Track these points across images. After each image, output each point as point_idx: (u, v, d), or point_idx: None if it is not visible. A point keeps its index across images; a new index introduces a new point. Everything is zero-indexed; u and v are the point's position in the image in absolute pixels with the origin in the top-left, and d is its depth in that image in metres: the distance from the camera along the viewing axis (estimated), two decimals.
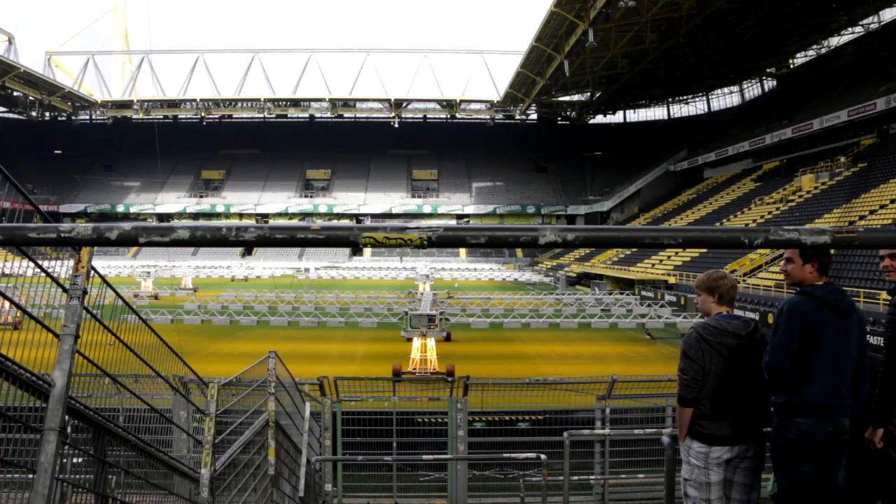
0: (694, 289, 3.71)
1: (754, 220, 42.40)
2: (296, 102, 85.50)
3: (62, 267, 2.25)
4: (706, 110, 78.77)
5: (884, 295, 19.52)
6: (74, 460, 2.40)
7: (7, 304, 2.14)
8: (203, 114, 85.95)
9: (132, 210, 79.54)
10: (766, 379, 3.30)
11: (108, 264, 62.20)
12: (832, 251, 3.33)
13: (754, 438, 3.40)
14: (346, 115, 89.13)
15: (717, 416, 3.35)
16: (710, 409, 3.36)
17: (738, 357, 3.35)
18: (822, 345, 3.14)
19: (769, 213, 41.96)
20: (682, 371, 3.42)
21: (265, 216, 79.82)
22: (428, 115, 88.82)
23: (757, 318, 22.90)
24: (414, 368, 18.32)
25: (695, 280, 3.69)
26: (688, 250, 39.57)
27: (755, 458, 3.42)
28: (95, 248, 2.19)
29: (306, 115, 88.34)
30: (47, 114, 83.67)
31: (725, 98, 76.32)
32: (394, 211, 78.69)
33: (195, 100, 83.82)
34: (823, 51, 57.99)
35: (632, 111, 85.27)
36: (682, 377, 3.42)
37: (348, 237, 1.90)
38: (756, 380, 3.35)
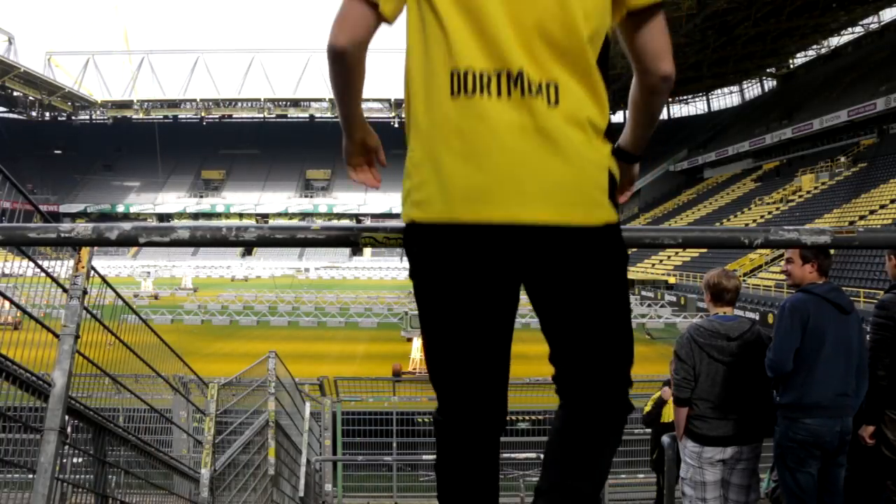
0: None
1: (754, 220, 42.37)
2: (296, 102, 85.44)
3: (62, 267, 2.25)
4: (706, 110, 78.74)
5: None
6: (74, 460, 2.40)
7: (7, 304, 2.14)
8: (203, 114, 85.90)
9: (132, 210, 79.52)
10: (766, 380, 3.28)
11: (108, 264, 62.21)
12: (832, 252, 3.34)
13: (750, 440, 3.39)
14: None
15: (709, 417, 3.37)
16: (703, 410, 3.38)
17: (729, 359, 3.35)
18: (825, 343, 3.13)
19: (769, 213, 41.93)
20: (675, 371, 3.47)
21: (265, 216, 79.80)
22: None
23: (757, 317, 22.91)
24: (414, 368, 18.32)
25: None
26: (688, 250, 39.57)
27: (752, 460, 3.42)
28: (95, 248, 2.19)
29: (306, 115, 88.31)
30: (47, 114, 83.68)
31: (725, 98, 76.30)
32: (394, 211, 78.64)
33: (195, 100, 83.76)
34: (823, 51, 57.94)
35: None
36: (675, 377, 3.46)
37: (348, 237, 1.90)
38: (751, 382, 3.34)
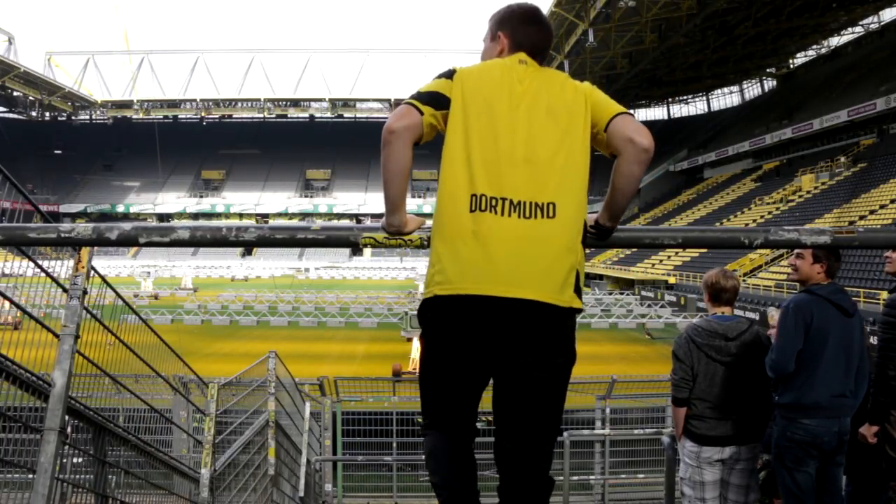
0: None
1: (754, 220, 42.37)
2: (296, 102, 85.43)
3: (62, 267, 2.25)
4: (706, 110, 78.70)
5: (884, 295, 19.47)
6: (74, 460, 2.40)
7: (7, 304, 2.14)
8: (203, 114, 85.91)
9: (132, 210, 79.47)
10: (765, 380, 3.28)
11: (108, 264, 62.19)
12: (840, 256, 3.31)
13: (748, 440, 3.39)
14: (346, 115, 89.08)
15: (707, 417, 3.37)
16: (701, 410, 3.39)
17: (727, 359, 3.35)
18: (827, 344, 3.12)
19: (769, 213, 41.92)
20: (673, 371, 3.47)
21: (265, 216, 79.75)
22: None
23: (757, 318, 22.90)
24: (414, 368, 18.30)
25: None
26: (688, 250, 39.56)
27: (751, 461, 3.42)
28: (95, 248, 2.19)
29: (306, 115, 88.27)
30: (47, 114, 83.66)
31: (725, 98, 76.27)
32: None
33: (195, 100, 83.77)
34: (823, 51, 57.94)
35: (632, 111, 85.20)
36: (673, 377, 3.46)
37: (348, 237, 1.90)
38: (749, 382, 3.34)
